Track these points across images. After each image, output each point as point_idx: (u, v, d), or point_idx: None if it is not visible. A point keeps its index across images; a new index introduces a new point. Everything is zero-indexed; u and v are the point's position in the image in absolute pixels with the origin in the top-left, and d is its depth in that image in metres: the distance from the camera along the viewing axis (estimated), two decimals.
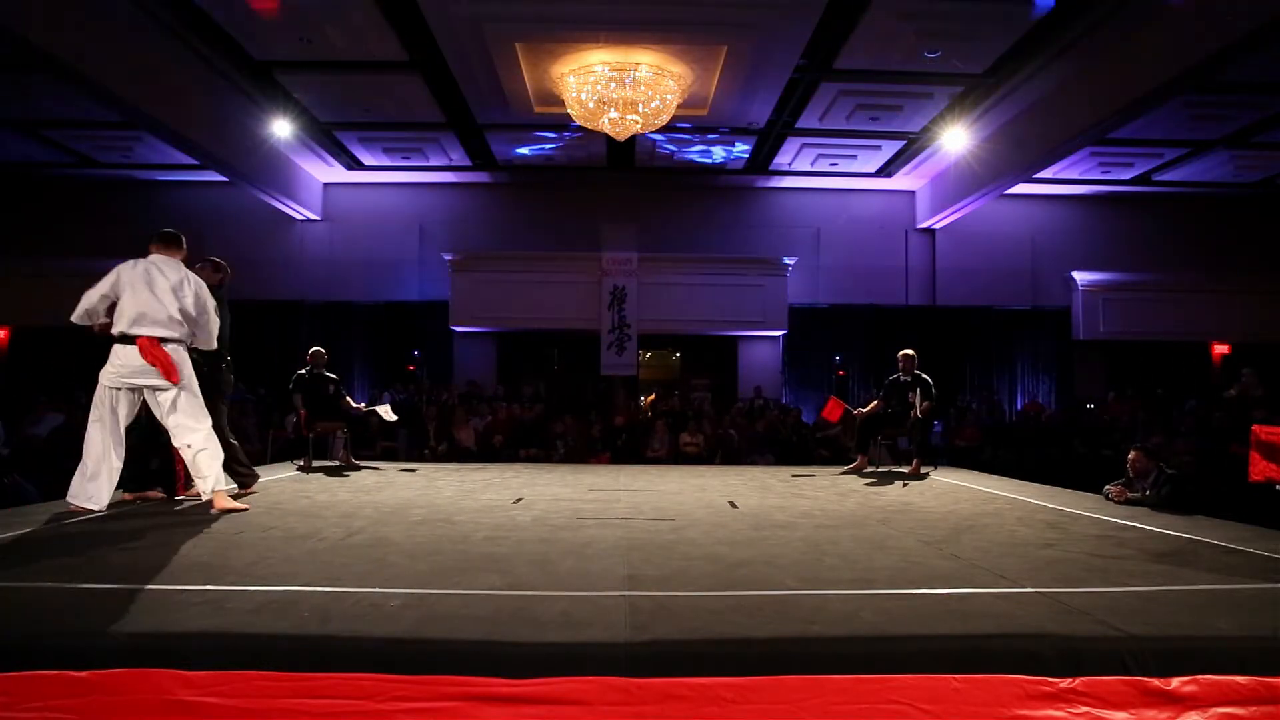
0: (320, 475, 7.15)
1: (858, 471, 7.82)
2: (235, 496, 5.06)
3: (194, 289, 4.74)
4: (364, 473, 7.43)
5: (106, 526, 4.19)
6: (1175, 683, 2.33)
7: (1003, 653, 2.38)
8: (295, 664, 2.28)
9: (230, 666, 2.27)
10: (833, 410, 8.62)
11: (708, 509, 5.26)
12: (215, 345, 4.92)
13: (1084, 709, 2.29)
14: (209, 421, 4.76)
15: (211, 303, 4.83)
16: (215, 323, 4.86)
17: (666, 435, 10.96)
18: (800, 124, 11.13)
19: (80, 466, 4.53)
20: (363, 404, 8.71)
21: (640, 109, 9.16)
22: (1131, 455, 5.69)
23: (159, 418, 4.66)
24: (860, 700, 2.27)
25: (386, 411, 8.19)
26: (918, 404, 7.69)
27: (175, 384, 4.58)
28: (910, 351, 8.01)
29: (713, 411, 12.19)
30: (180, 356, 4.66)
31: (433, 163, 12.97)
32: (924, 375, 7.84)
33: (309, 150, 12.33)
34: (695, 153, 12.46)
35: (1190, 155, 11.78)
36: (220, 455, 4.78)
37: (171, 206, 13.54)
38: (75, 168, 12.86)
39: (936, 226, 13.78)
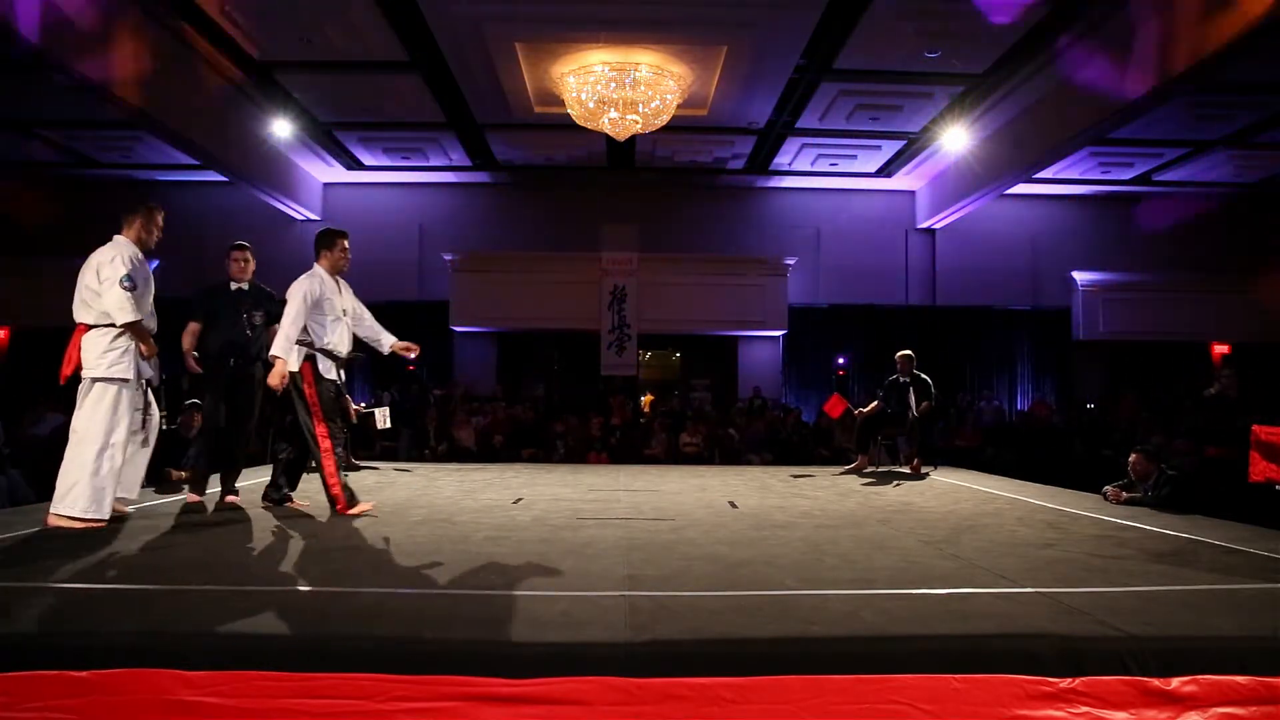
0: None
1: (858, 471, 7.83)
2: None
3: (94, 263, 4.24)
4: (364, 473, 7.43)
5: (107, 527, 4.19)
6: (1175, 683, 2.33)
7: (1003, 653, 2.38)
8: (295, 664, 2.28)
9: (230, 666, 2.27)
10: (835, 406, 8.63)
11: (708, 509, 5.26)
12: (117, 321, 4.17)
13: (1084, 709, 2.29)
14: (106, 438, 4.14)
15: (107, 273, 4.18)
16: (111, 297, 4.14)
17: (665, 435, 10.95)
18: (800, 124, 11.12)
19: None
20: (362, 404, 8.71)
21: (640, 109, 9.15)
22: (1133, 458, 5.69)
23: None
24: (860, 700, 2.27)
25: (383, 418, 8.17)
26: (913, 404, 7.71)
27: (73, 373, 4.18)
28: (908, 352, 8.03)
29: (713, 412, 12.19)
30: (90, 343, 4.19)
31: (433, 163, 12.97)
32: (923, 376, 7.85)
33: (309, 150, 12.33)
34: (695, 153, 12.46)
35: (1190, 155, 11.77)
36: (97, 481, 4.10)
37: (171, 206, 13.36)
38: (75, 168, 12.85)
39: (936, 226, 13.77)
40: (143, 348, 4.32)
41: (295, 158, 12.65)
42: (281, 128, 10.62)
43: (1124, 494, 5.61)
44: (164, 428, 4.63)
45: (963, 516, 5.04)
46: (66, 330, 4.35)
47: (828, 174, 13.33)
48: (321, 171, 13.42)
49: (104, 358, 4.18)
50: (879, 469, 8.01)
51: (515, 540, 4.00)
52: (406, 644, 2.35)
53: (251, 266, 5.33)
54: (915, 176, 13.39)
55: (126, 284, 4.17)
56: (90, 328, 4.21)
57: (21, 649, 2.31)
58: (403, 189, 13.90)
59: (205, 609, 2.64)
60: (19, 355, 13.55)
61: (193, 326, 5.14)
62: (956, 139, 10.84)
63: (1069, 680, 2.32)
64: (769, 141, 11.83)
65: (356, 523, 4.48)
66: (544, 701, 2.23)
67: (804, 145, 12.01)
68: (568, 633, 2.45)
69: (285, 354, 4.64)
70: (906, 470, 7.82)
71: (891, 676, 2.31)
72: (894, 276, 14.06)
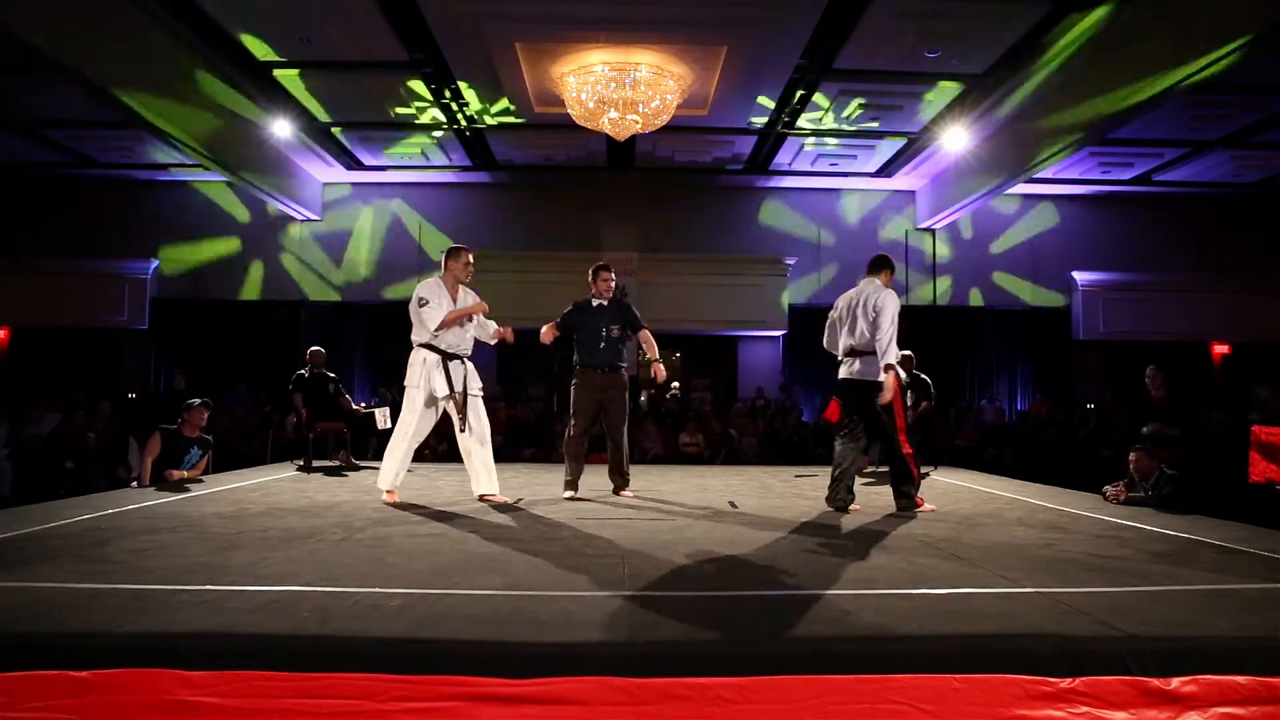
0: (320, 475, 7.16)
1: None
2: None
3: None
4: (364, 473, 7.43)
5: (107, 526, 4.20)
6: (1175, 683, 2.33)
7: (1003, 653, 2.38)
8: (295, 664, 2.28)
9: (230, 666, 2.27)
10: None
11: (708, 509, 5.26)
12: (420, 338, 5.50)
13: (1084, 709, 2.29)
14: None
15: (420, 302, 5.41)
16: (419, 319, 5.41)
17: (661, 434, 10.95)
18: (800, 124, 11.12)
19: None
20: (362, 404, 8.71)
21: (640, 109, 9.14)
22: (1133, 456, 5.69)
23: None
24: (860, 700, 2.27)
25: (384, 418, 8.18)
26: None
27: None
28: (908, 352, 8.01)
29: (713, 412, 12.18)
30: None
31: (433, 163, 12.97)
32: (922, 376, 7.85)
33: (309, 150, 12.32)
34: (695, 153, 12.44)
35: (1190, 155, 11.76)
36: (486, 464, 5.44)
37: (171, 206, 13.55)
38: (75, 168, 12.84)
39: (936, 226, 13.77)
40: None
41: (295, 158, 12.64)
42: (281, 128, 10.62)
43: (1124, 494, 5.61)
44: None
45: (963, 516, 5.05)
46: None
47: (828, 174, 13.32)
48: (321, 171, 13.40)
49: (421, 377, 5.56)
50: (879, 469, 8.01)
51: (515, 540, 4.00)
52: (406, 644, 2.35)
53: (613, 283, 6.03)
54: (915, 176, 13.37)
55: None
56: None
57: (21, 649, 2.31)
58: (403, 189, 13.89)
59: (205, 609, 2.64)
60: (19, 355, 13.54)
61: (551, 325, 6.17)
62: (956, 139, 10.84)
63: (1069, 680, 2.32)
64: (769, 141, 11.83)
65: (355, 523, 4.48)
66: (544, 701, 2.23)
67: (804, 145, 12.00)
68: (568, 633, 2.45)
69: (897, 363, 5.20)
70: None
71: (891, 676, 2.30)
72: (894, 276, 14.02)
